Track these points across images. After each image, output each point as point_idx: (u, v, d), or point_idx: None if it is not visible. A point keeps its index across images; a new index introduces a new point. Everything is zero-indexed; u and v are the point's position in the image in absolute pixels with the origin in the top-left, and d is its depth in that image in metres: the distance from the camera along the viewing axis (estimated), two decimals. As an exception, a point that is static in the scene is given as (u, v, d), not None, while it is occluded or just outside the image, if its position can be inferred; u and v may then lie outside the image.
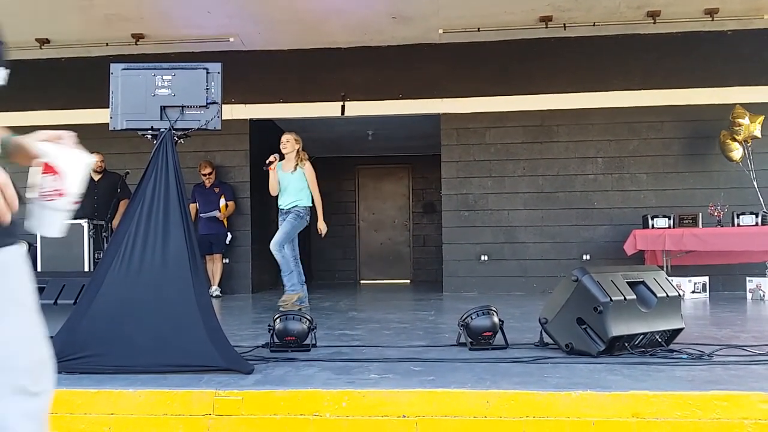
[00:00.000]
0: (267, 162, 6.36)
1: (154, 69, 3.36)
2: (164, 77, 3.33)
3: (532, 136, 8.15)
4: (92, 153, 7.17)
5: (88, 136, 8.18)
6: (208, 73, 3.34)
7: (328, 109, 8.40)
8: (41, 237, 6.58)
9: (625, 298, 3.28)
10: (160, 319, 3.00)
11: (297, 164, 6.40)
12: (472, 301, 6.82)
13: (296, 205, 6.29)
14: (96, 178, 7.42)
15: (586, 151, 8.06)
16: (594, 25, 7.68)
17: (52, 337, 2.99)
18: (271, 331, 3.57)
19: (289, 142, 6.44)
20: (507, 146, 8.19)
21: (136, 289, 3.04)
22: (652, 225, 7.11)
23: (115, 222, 7.17)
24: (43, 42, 8.19)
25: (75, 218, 6.55)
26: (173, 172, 3.21)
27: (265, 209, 9.31)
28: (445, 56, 8.23)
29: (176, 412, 2.57)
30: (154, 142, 3.31)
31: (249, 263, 8.36)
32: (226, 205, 8.04)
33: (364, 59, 8.34)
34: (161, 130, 3.29)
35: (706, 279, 7.08)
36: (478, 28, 7.82)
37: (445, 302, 7.03)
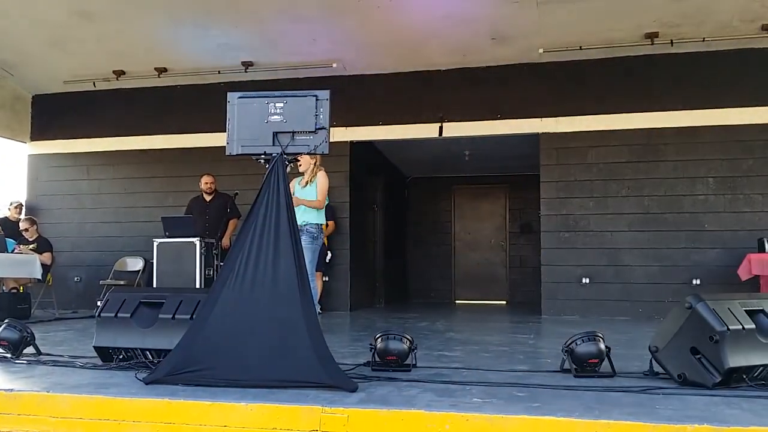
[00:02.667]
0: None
1: (268, 97, 3.52)
2: (277, 104, 3.50)
3: (638, 155, 7.88)
4: (204, 174, 7.66)
5: (201, 159, 8.75)
6: (317, 99, 3.47)
7: (427, 131, 8.48)
8: (157, 254, 7.01)
9: (743, 328, 3.10)
10: (271, 335, 3.13)
11: (309, 180, 5.87)
12: (573, 324, 6.64)
13: (307, 223, 5.71)
14: (207, 198, 7.82)
15: (696, 170, 7.70)
16: (704, 41, 7.37)
17: (171, 350, 3.21)
18: (373, 350, 3.63)
19: (303, 158, 5.73)
20: (610, 166, 7.95)
21: (248, 306, 3.19)
22: (769, 249, 6.68)
23: (225, 240, 7.55)
24: (161, 71, 8.77)
25: (188, 237, 6.97)
26: (283, 194, 3.36)
27: (363, 229, 9.50)
28: (545, 75, 8.13)
29: (285, 426, 2.66)
30: (267, 166, 3.47)
31: (347, 281, 8.52)
32: (326, 225, 8.24)
33: (463, 80, 8.37)
34: (273, 154, 3.44)
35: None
36: (580, 47, 7.69)
37: (544, 325, 6.88)
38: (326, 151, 3.50)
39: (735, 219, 7.52)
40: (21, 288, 7.54)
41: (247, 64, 8.55)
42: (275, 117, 3.51)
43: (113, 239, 9.14)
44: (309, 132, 3.49)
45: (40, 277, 7.42)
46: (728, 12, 6.92)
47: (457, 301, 11.61)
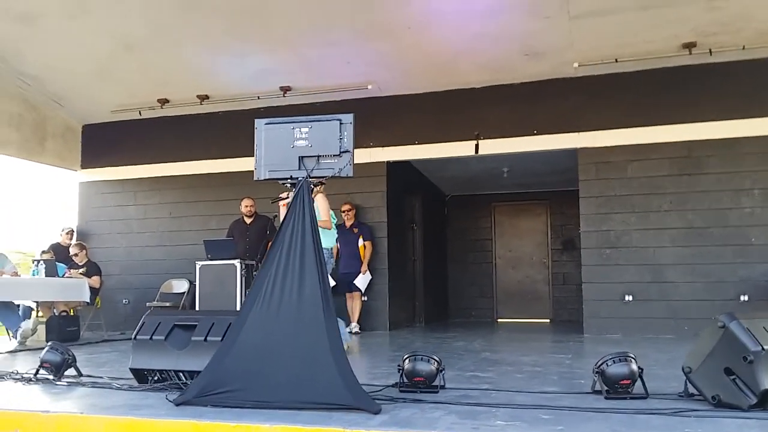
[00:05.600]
0: (279, 197, 6.20)
1: (293, 122, 3.60)
2: (302, 130, 3.57)
3: (679, 168, 7.70)
4: (244, 198, 7.81)
5: (242, 182, 8.94)
6: (341, 123, 3.54)
7: (463, 149, 8.48)
8: (200, 276, 7.18)
9: (779, 347, 2.99)
10: (296, 357, 3.17)
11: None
12: (615, 344, 6.49)
13: None
14: (248, 221, 7.99)
15: (741, 182, 7.47)
16: (744, 49, 7.18)
17: (200, 372, 3.28)
18: (401, 371, 3.64)
19: None
20: (651, 180, 7.79)
21: (274, 328, 3.25)
22: (823, 263, 6.42)
23: (264, 262, 7.66)
24: (203, 98, 9.04)
25: (229, 259, 7.12)
26: (309, 218, 3.42)
27: (402, 248, 9.52)
28: (581, 89, 8.06)
29: (307, 448, 2.69)
30: (293, 189, 3.54)
31: (386, 301, 8.54)
32: (364, 246, 8.31)
33: (497, 97, 8.36)
34: (299, 178, 3.51)
35: None
36: (616, 59, 7.60)
37: (585, 345, 6.75)
38: (350, 174, 3.54)
39: (784, 232, 7.26)
40: (71, 311, 7.81)
41: (285, 89, 8.74)
42: (300, 142, 3.58)
43: (159, 262, 9.39)
44: (333, 155, 3.55)
45: (88, 300, 7.67)
46: (766, 19, 6.75)
47: (498, 320, 11.48)
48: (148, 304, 8.44)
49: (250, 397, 3.09)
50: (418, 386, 3.57)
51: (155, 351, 3.70)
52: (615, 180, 7.93)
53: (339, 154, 3.54)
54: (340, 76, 8.37)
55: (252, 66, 8.23)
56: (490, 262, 11.91)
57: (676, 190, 7.70)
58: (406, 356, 3.68)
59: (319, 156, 3.56)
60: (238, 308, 6.93)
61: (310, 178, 3.53)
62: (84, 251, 8.40)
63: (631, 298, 7.67)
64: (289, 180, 3.59)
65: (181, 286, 8.86)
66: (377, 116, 8.57)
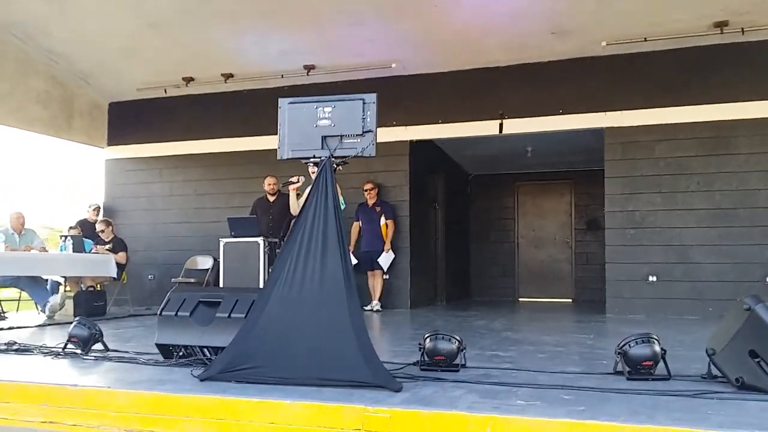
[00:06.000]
0: (288, 181, 6.18)
1: (316, 102, 3.60)
2: (325, 109, 3.57)
3: (708, 148, 7.57)
4: (267, 176, 7.84)
5: (265, 160, 8.97)
6: (364, 103, 3.53)
7: (487, 128, 8.42)
8: (224, 253, 7.25)
9: (806, 331, 2.95)
10: (318, 335, 3.21)
11: None
12: (638, 324, 6.46)
13: None
14: (271, 199, 8.04)
15: (771, 163, 7.33)
16: (776, 27, 7.00)
17: (224, 348, 3.34)
18: (422, 350, 3.66)
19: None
20: (678, 160, 7.67)
21: (297, 306, 3.28)
22: None
23: (287, 239, 7.72)
24: (228, 76, 9.06)
25: (252, 236, 7.18)
26: (331, 197, 3.43)
27: (424, 227, 9.52)
28: (609, 68, 7.93)
29: (329, 424, 2.73)
30: (315, 168, 3.56)
31: (408, 279, 8.57)
32: (387, 225, 8.33)
33: (523, 76, 8.27)
34: (322, 158, 3.52)
35: None
36: (645, 38, 7.46)
37: (607, 325, 6.72)
38: (373, 154, 3.54)
39: (814, 214, 7.12)
40: (98, 286, 7.96)
41: (308, 68, 8.72)
42: (324, 121, 3.58)
43: (184, 239, 9.52)
44: (357, 135, 3.55)
45: (115, 275, 7.81)
46: (802, -3, 6.57)
47: (520, 299, 11.46)
48: (173, 280, 8.57)
49: (273, 374, 3.14)
50: (439, 365, 3.59)
51: (180, 327, 3.76)
52: (641, 160, 7.83)
53: (362, 134, 3.53)
54: (364, 55, 8.33)
55: (276, 45, 8.22)
56: (512, 241, 11.86)
57: (703, 170, 7.57)
58: (427, 335, 3.70)
59: (342, 135, 3.56)
60: (261, 285, 7.01)
61: (333, 157, 3.53)
62: (110, 227, 8.54)
63: (655, 278, 7.60)
64: (312, 159, 3.60)
65: (205, 262, 8.97)
66: (401, 95, 8.53)
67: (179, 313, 3.78)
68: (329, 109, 3.59)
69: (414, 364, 3.70)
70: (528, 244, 11.79)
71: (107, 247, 8.25)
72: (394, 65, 8.47)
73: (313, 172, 6.23)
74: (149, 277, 9.57)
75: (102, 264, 7.67)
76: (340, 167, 3.62)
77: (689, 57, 7.59)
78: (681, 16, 7.02)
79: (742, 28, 7.06)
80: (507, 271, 11.83)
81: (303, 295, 3.30)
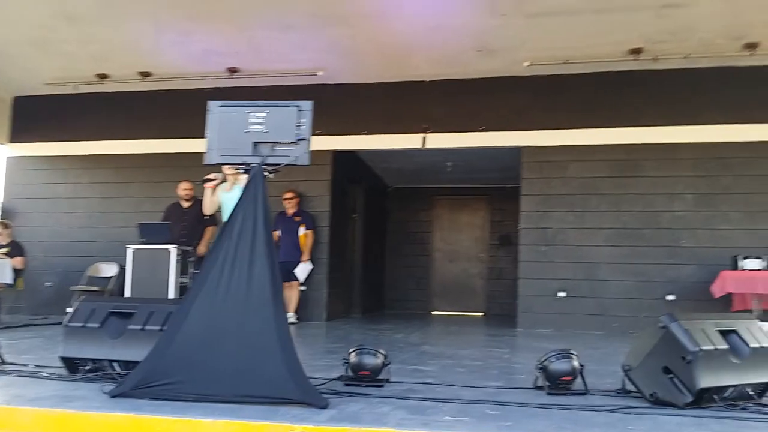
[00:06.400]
0: (205, 178, 6.06)
1: (249, 106, 3.48)
2: (258, 114, 3.45)
3: (617, 170, 7.94)
4: (182, 181, 7.55)
5: (179, 164, 8.66)
6: (299, 110, 3.44)
7: (410, 141, 8.49)
8: (131, 260, 6.90)
9: (715, 348, 3.11)
10: (242, 349, 3.08)
11: (235, 182, 5.98)
12: (548, 338, 6.65)
13: None
14: (185, 205, 7.74)
15: (674, 186, 7.77)
16: (687, 58, 7.44)
17: (140, 362, 3.14)
18: (346, 365, 3.59)
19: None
20: (590, 180, 8.00)
21: (220, 318, 3.14)
22: (742, 266, 6.76)
23: (201, 248, 7.47)
24: (145, 75, 8.69)
25: (163, 243, 6.87)
26: (261, 205, 3.32)
27: (343, 238, 9.46)
28: (530, 88, 8.18)
29: (252, 443, 2.61)
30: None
31: (325, 291, 8.47)
32: (306, 235, 8.21)
33: (448, 92, 8.39)
34: (253, 165, 3.40)
35: (803, 326, 6.62)
36: (566, 61, 7.73)
37: (519, 339, 6.88)
38: (307, 162, 3.46)
39: (711, 236, 7.59)
40: (-9, 292, 7.40)
41: (232, 70, 8.50)
42: (256, 126, 3.46)
43: (87, 244, 9.00)
44: (290, 143, 3.45)
45: (10, 281, 7.27)
46: (712, 30, 7.00)
47: (433, 313, 11.58)
48: (72, 287, 8.09)
49: (192, 390, 2.98)
50: (363, 380, 3.53)
51: (89, 339, 3.52)
52: (556, 179, 8.11)
53: (296, 142, 3.44)
54: (291, 61, 8.20)
55: (199, 45, 7.95)
56: (428, 254, 11.99)
57: (613, 191, 7.93)
58: (351, 349, 3.64)
59: (274, 142, 3.46)
60: (170, 295, 6.72)
61: (265, 165, 3.42)
62: (8, 230, 7.96)
63: (564, 294, 7.87)
64: (242, 165, 3.47)
65: (109, 269, 8.52)
66: (326, 104, 8.32)
67: (88, 324, 3.54)
68: (262, 114, 3.48)
69: (337, 378, 3.63)
70: (443, 258, 11.94)
71: (3, 251, 7.67)
72: (320, 73, 8.39)
73: (232, 174, 6.13)
74: (47, 284, 8.96)
75: (-3, 269, 7.13)
76: (271, 175, 3.51)
77: (605, 81, 7.94)
78: (601, 41, 7.32)
79: (655, 56, 7.46)
80: (421, 284, 11.94)
81: (227, 308, 3.16)
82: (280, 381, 2.99)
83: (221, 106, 3.57)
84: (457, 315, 11.12)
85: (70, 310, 7.14)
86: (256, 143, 3.46)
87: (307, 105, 3.50)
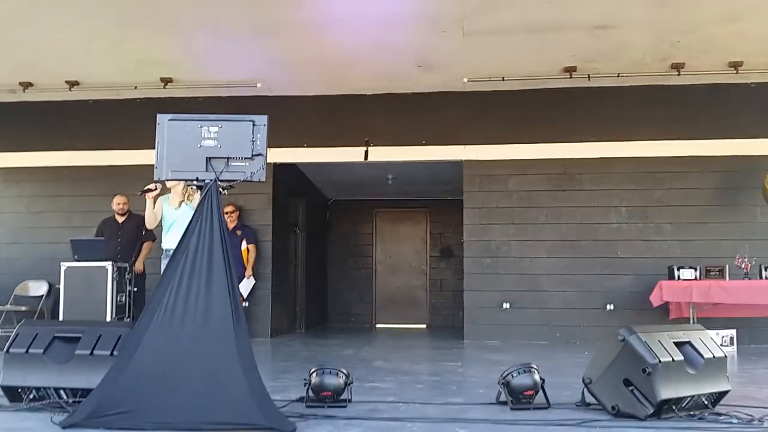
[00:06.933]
0: (146, 188, 5.63)
1: (201, 120, 3.37)
2: (210, 129, 3.35)
3: (555, 184, 8.14)
4: (116, 195, 7.22)
5: (112, 177, 8.30)
6: (254, 125, 3.36)
7: (352, 154, 8.44)
8: (65, 278, 6.55)
9: (673, 360, 3.20)
10: (202, 373, 2.95)
11: (183, 200, 5.56)
12: (496, 350, 6.73)
13: None
14: (120, 220, 7.43)
15: (610, 200, 8.03)
16: (618, 76, 7.72)
17: (90, 390, 2.96)
18: (307, 386, 3.51)
19: None
20: (530, 194, 8.17)
21: (177, 342, 3.00)
22: (678, 276, 7.03)
23: (139, 264, 7.18)
24: (73, 84, 8.30)
25: (99, 260, 6.56)
26: (218, 223, 3.21)
27: (285, 252, 9.31)
28: (470, 104, 8.29)
29: (221, 474, 2.50)
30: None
31: (269, 307, 8.28)
32: (248, 249, 8.03)
33: (389, 106, 8.41)
34: (206, 181, 3.29)
35: (733, 332, 6.97)
36: (503, 77, 7.88)
37: (469, 351, 6.93)
38: (263, 179, 3.39)
39: (646, 247, 7.88)
40: None
41: (165, 81, 8.22)
42: (209, 141, 3.36)
43: (13, 261, 8.49)
44: (245, 158, 3.36)
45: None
46: (640, 50, 7.28)
47: (377, 325, 11.54)
48: (0, 307, 7.61)
49: (150, 418, 2.83)
50: (325, 401, 3.46)
51: (32, 366, 3.30)
52: (497, 192, 8.23)
53: (251, 157, 3.36)
54: (228, 72, 8.00)
55: (131, 53, 7.63)
56: (370, 267, 11.95)
57: (551, 204, 8.12)
58: (312, 370, 3.56)
59: (228, 158, 3.36)
60: (108, 316, 6.41)
61: (220, 181, 3.31)
62: (-75, 247, 7.42)
63: (508, 305, 7.98)
64: (195, 182, 3.35)
65: (39, 288, 8.07)
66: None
67: (31, 350, 3.32)
68: (215, 129, 3.38)
69: (298, 400, 3.54)
70: (385, 270, 11.94)
71: None
72: (259, 84, 8.24)
73: (179, 188, 5.86)
74: (-30, 303, 8.40)
75: None
76: (226, 191, 3.41)
77: (542, 98, 8.15)
78: (536, 59, 7.51)
79: (588, 75, 7.71)
80: (364, 297, 11.89)
81: (184, 330, 3.03)
82: (243, 406, 2.89)
83: (171, 119, 3.45)
84: (401, 327, 11.10)
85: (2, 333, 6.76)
86: (209, 158, 3.36)
87: (261, 119, 3.45)
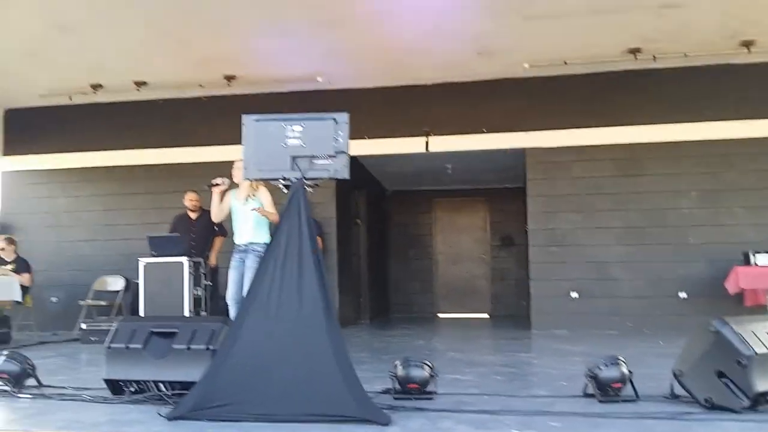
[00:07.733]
0: (213, 182, 5.59)
1: (284, 120, 3.45)
2: (294, 128, 3.42)
3: (622, 169, 7.98)
4: (188, 191, 7.41)
5: (183, 174, 8.53)
6: (336, 123, 3.42)
7: (412, 145, 8.46)
8: (144, 274, 6.79)
9: (768, 351, 3.13)
10: (298, 366, 3.04)
11: (249, 195, 5.48)
12: (565, 340, 6.67)
13: (253, 243, 5.40)
14: (193, 216, 7.64)
15: (679, 184, 7.83)
16: (685, 56, 7.49)
17: (190, 383, 3.09)
18: (393, 378, 3.57)
19: (238, 169, 5.36)
20: (595, 180, 8.04)
21: (273, 336, 3.10)
22: (754, 262, 6.82)
23: (212, 259, 7.38)
24: (141, 84, 8.55)
25: (175, 256, 6.77)
26: (305, 221, 3.29)
27: (348, 244, 9.41)
28: (531, 90, 8.19)
29: (324, 465, 2.58)
30: (285, 191, 3.40)
31: (336, 298, 8.33)
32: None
33: (449, 94, 8.38)
34: (293, 180, 3.36)
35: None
36: (565, 61, 7.75)
37: (539, 341, 6.89)
38: (347, 176, 3.44)
39: (718, 232, 7.66)
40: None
41: (229, 78, 8.40)
42: (293, 140, 3.43)
43: (91, 258, 8.86)
44: (329, 156, 3.42)
45: (19, 298, 7.14)
46: (708, 29, 7.05)
47: (439, 315, 11.57)
48: (81, 302, 7.96)
49: (251, 410, 2.94)
50: (412, 393, 3.51)
51: (132, 360, 3.46)
52: (560, 180, 8.13)
53: (334, 155, 3.42)
54: (289, 67, 8.12)
55: (195, 52, 7.83)
56: (430, 257, 11.97)
57: (617, 190, 7.97)
58: (397, 362, 3.62)
59: (312, 156, 3.43)
60: (185, 310, 6.62)
61: (305, 179, 3.39)
62: (12, 246, 7.79)
63: (576, 294, 7.89)
64: (281, 180, 3.43)
65: (115, 283, 8.39)
66: (326, 110, 8.26)
67: (130, 346, 3.48)
68: (299, 128, 3.45)
69: (384, 392, 3.60)
70: (446, 260, 11.93)
71: (9, 267, 7.52)
72: (319, 79, 8.33)
73: (246, 184, 5.99)
74: (53, 299, 8.80)
75: (4, 286, 6.97)
76: (312, 189, 3.48)
77: (605, 81, 7.98)
78: (599, 42, 7.35)
79: (654, 55, 7.51)
80: (425, 287, 11.92)
81: (280, 324, 3.13)
82: (339, 398, 2.97)
83: (256, 120, 3.53)
84: (463, 318, 11.09)
85: (83, 325, 7.07)
86: (294, 157, 3.43)
87: (343, 117, 3.50)
